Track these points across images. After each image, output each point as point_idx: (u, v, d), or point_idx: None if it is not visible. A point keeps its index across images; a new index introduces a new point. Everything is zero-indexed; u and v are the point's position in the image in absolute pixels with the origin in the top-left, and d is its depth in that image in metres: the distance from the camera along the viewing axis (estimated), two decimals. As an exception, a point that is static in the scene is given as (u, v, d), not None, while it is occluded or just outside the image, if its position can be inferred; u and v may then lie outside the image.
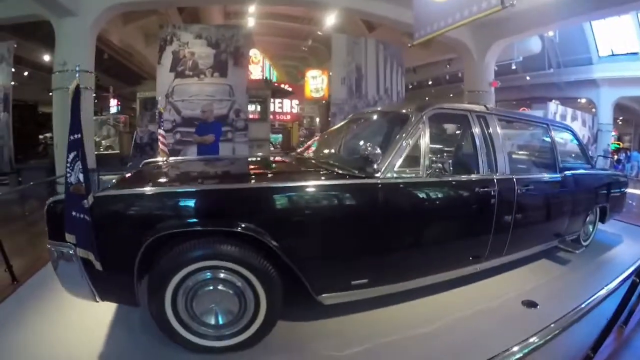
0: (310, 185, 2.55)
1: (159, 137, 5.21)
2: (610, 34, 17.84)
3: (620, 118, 26.45)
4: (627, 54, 17.68)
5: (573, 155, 4.99)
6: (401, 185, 2.83)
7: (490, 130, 3.54)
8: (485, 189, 3.25)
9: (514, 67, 16.67)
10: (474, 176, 3.32)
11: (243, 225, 2.26)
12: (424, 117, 3.06)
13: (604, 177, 4.99)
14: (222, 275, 2.32)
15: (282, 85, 20.45)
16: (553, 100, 17.12)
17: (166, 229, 2.21)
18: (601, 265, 4.46)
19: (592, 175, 4.73)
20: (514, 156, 4.84)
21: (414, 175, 2.92)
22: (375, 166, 2.70)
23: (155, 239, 2.19)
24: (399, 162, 2.84)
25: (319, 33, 11.40)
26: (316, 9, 12.19)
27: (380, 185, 2.68)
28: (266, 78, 19.19)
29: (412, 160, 2.95)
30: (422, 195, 2.96)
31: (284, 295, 2.48)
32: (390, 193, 2.75)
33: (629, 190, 6.23)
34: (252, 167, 4.03)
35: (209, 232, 2.28)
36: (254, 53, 19.48)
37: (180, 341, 2.37)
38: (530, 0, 9.21)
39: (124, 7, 9.37)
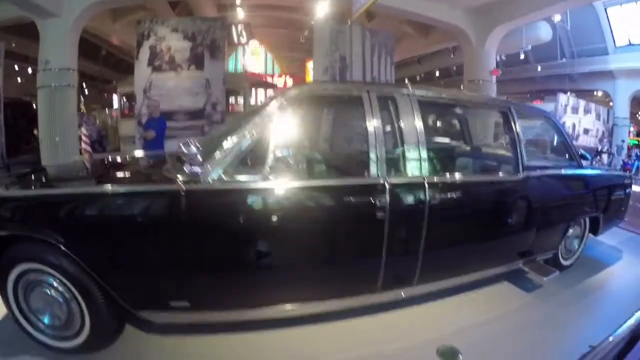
0: (110, 191, 2.15)
1: (82, 136, 5.32)
2: (628, 22, 16.04)
3: (640, 113, 24.71)
4: (645, 43, 16.01)
5: (557, 151, 3.87)
6: (222, 193, 2.16)
7: (402, 116, 2.56)
8: (364, 198, 2.32)
9: (522, 56, 15.30)
10: (347, 180, 2.56)
11: (44, 231, 2.04)
12: (283, 103, 2.32)
13: (597, 179, 3.77)
14: (46, 279, 2.15)
15: (284, 77, 19.58)
16: (568, 93, 15.78)
17: None
18: (582, 294, 3.29)
19: (576, 176, 3.54)
20: (450, 152, 3.98)
21: (253, 179, 2.18)
22: (195, 169, 2.09)
23: None
24: (235, 161, 2.19)
25: (312, 23, 10.49)
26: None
27: (185, 193, 2.06)
28: (244, 70, 18.51)
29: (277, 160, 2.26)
30: (256, 205, 2.19)
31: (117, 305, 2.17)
32: (205, 202, 2.14)
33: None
34: (94, 169, 3.24)
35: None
36: (254, 45, 18.77)
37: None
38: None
39: (103, 5, 9.44)
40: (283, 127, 2.28)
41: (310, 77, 19.98)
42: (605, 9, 15.72)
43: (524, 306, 3.05)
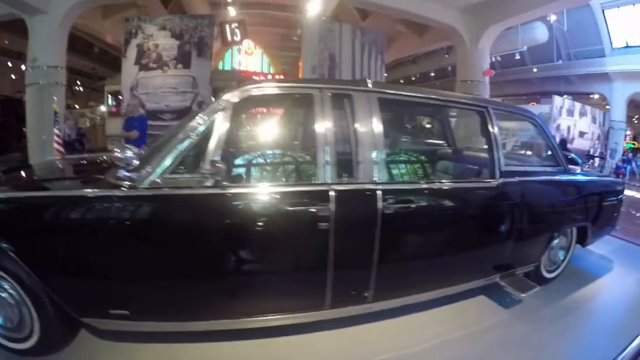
0: (46, 195, 2.09)
1: (54, 136, 5.25)
2: (625, 24, 15.69)
3: (637, 117, 24.30)
4: (643, 46, 15.67)
5: (542, 154, 3.57)
6: (155, 199, 1.99)
7: (357, 116, 2.30)
8: (305, 206, 2.10)
9: (518, 57, 15.01)
10: (288, 186, 2.37)
11: None
12: (226, 103, 2.14)
13: (585, 186, 3.40)
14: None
15: (278, 76, 19.22)
16: (564, 96, 15.47)
17: None
18: (564, 311, 2.95)
19: (561, 183, 3.20)
20: (414, 155, 3.65)
21: (188, 184, 2.03)
22: (130, 174, 1.98)
23: None
24: (172, 166, 2.02)
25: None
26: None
27: (118, 199, 1.95)
28: (233, 68, 18.23)
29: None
30: (189, 213, 2.03)
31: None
32: (138, 208, 1.98)
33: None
34: (50, 171, 3.08)
35: None
36: (248, 44, 18.49)
37: None
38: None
39: (91, 2, 9.29)
40: (225, 130, 2.09)
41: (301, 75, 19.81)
42: (603, 11, 15.41)
43: (498, 324, 2.74)
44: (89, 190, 2.05)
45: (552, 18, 13.53)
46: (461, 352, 2.43)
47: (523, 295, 2.83)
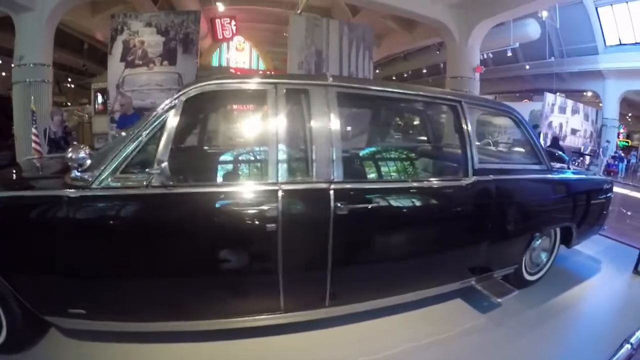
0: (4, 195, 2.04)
1: (32, 135, 5.19)
2: (618, 22, 15.54)
3: (630, 114, 24.22)
4: (636, 43, 15.36)
5: (525, 152, 3.38)
6: (103, 199, 1.96)
7: (313, 112, 2.19)
8: (252, 206, 2.03)
9: (510, 54, 14.83)
10: (234, 185, 2.25)
11: None
12: (176, 101, 2.08)
13: (568, 185, 3.21)
14: None
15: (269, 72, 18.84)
16: (557, 93, 15.31)
17: None
18: (546, 316, 2.76)
19: (541, 181, 3.03)
20: (376, 153, 3.50)
21: (136, 184, 1.97)
22: (81, 174, 1.97)
23: None
24: (121, 166, 1.99)
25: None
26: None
27: (68, 199, 1.91)
28: (220, 64, 18.01)
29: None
30: (136, 213, 2.02)
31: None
32: (87, 209, 1.97)
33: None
34: (20, 172, 2.94)
35: None
36: (239, 40, 18.29)
37: None
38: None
39: None
40: (174, 128, 2.04)
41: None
42: (596, 8, 15.24)
43: (473, 329, 2.56)
44: (39, 191, 2.12)
45: (544, 14, 13.31)
46: (431, 358, 2.27)
47: (499, 299, 2.63)
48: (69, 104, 21.43)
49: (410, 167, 3.41)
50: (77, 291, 2.01)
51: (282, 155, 2.08)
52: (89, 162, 1.99)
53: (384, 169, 3.29)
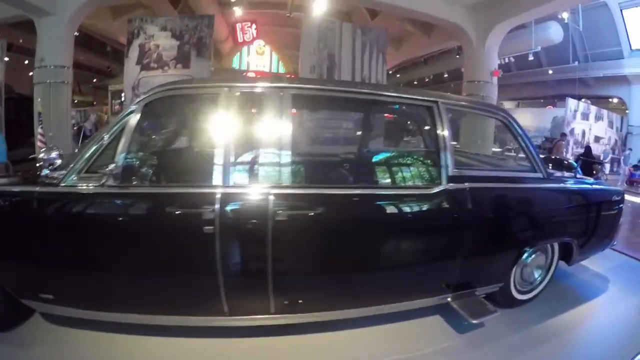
0: None
1: (39, 135, 5.33)
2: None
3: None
4: (664, 47, 14.83)
5: (520, 158, 3.12)
6: (66, 196, 2.12)
7: (264, 116, 2.20)
8: (191, 208, 2.06)
9: (531, 57, 14.30)
10: (172, 187, 2.33)
11: None
12: (137, 105, 2.18)
13: (568, 195, 2.91)
14: None
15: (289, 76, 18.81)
16: (582, 100, 14.73)
17: None
18: (533, 342, 2.45)
19: (532, 191, 2.75)
20: (342, 157, 3.47)
21: (96, 183, 2.12)
22: (50, 172, 2.19)
23: None
24: (87, 165, 2.13)
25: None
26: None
27: (38, 195, 2.11)
28: (241, 68, 18.12)
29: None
30: (89, 211, 2.12)
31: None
32: (53, 205, 2.13)
33: None
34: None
35: None
36: (259, 44, 18.37)
37: None
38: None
39: (96, 2, 9.11)
40: (132, 131, 2.15)
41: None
42: (621, 10, 14.63)
43: (446, 350, 2.33)
44: (15, 187, 2.25)
45: (565, 16, 12.83)
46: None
47: (474, 321, 2.37)
48: (95, 103, 21.94)
49: (370, 173, 3.22)
50: (44, 277, 2.17)
51: (225, 159, 2.10)
52: (59, 162, 2.22)
53: (339, 175, 3.16)
